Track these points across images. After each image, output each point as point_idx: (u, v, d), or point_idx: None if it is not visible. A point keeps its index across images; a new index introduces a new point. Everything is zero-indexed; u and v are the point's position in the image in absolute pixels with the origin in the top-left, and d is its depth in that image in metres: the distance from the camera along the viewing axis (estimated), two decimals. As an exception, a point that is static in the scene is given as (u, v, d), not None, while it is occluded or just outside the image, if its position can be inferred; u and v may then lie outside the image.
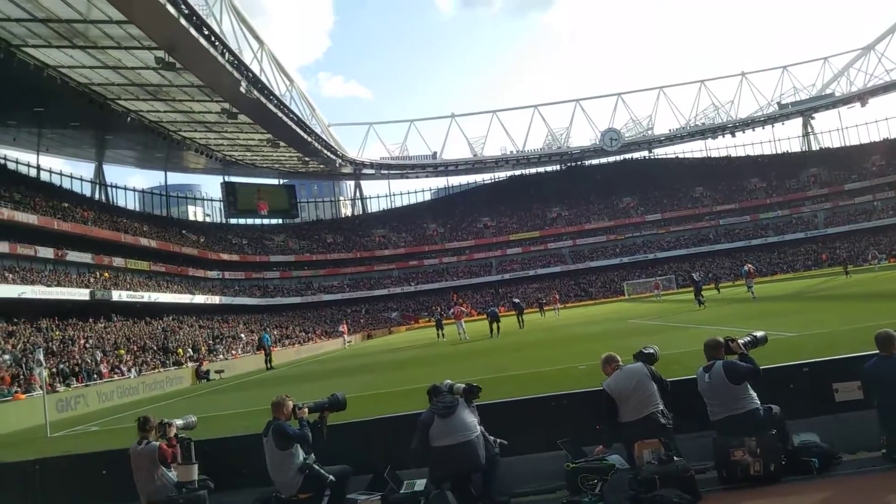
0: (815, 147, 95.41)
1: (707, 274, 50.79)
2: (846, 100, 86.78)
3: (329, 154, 70.15)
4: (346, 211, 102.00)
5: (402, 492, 5.90)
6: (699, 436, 5.89)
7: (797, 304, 26.42)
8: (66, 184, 61.43)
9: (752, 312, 24.21)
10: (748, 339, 5.91)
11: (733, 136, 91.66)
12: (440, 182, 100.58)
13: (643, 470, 5.25)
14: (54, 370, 27.40)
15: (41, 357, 18.73)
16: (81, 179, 65.06)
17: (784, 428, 5.60)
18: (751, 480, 5.28)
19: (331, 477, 5.91)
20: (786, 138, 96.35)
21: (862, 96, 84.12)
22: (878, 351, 5.58)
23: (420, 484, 5.93)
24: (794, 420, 5.79)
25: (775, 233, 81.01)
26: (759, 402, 5.61)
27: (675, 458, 5.27)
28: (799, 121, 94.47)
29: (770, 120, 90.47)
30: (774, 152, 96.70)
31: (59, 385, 26.16)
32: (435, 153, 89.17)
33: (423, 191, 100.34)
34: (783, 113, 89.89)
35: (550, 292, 63.01)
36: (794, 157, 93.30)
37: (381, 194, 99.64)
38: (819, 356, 6.99)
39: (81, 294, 40.58)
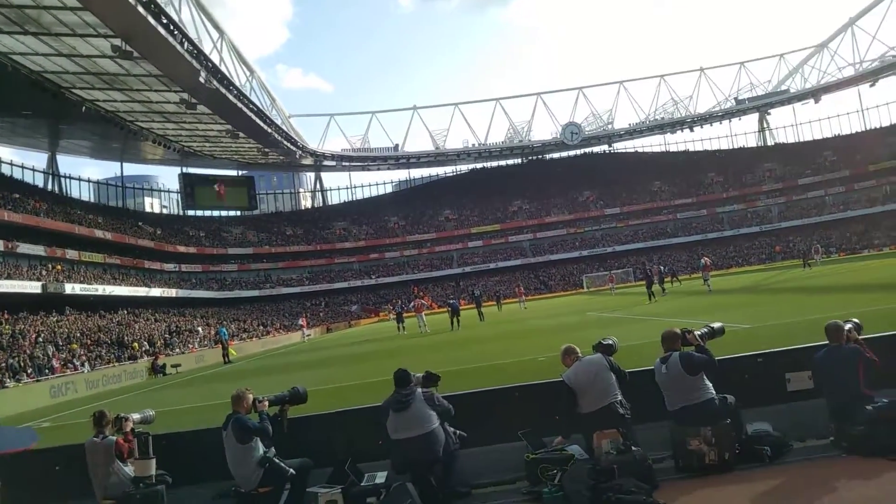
0: (770, 142, 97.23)
1: (662, 267, 51.01)
2: (800, 96, 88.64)
3: (289, 145, 69.52)
4: (306, 203, 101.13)
5: (363, 484, 5.89)
6: (657, 426, 5.98)
7: (752, 296, 27.00)
8: (18, 174, 59.81)
9: (708, 305, 24.67)
10: (705, 330, 6.02)
11: (692, 130, 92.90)
12: (402, 174, 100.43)
13: (602, 459, 5.32)
14: (3, 365, 26.79)
15: (-9, 351, 18.28)
16: (34, 170, 63.41)
17: (738, 417, 5.72)
18: (706, 469, 5.39)
19: (291, 471, 5.89)
20: (742, 133, 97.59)
21: (815, 93, 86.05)
22: (827, 342, 5.74)
23: (381, 476, 5.94)
24: (748, 409, 5.92)
25: (731, 226, 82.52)
26: (714, 392, 5.70)
27: (633, 448, 5.36)
28: (755, 116, 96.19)
29: (727, 115, 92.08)
30: (731, 147, 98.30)
31: (8, 381, 25.56)
32: (397, 146, 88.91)
33: (384, 183, 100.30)
34: (740, 108, 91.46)
35: (515, 284, 63.22)
36: (751, 152, 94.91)
37: (341, 186, 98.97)
38: (772, 347, 7.15)
39: (33, 287, 39.65)
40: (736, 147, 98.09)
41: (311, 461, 6.22)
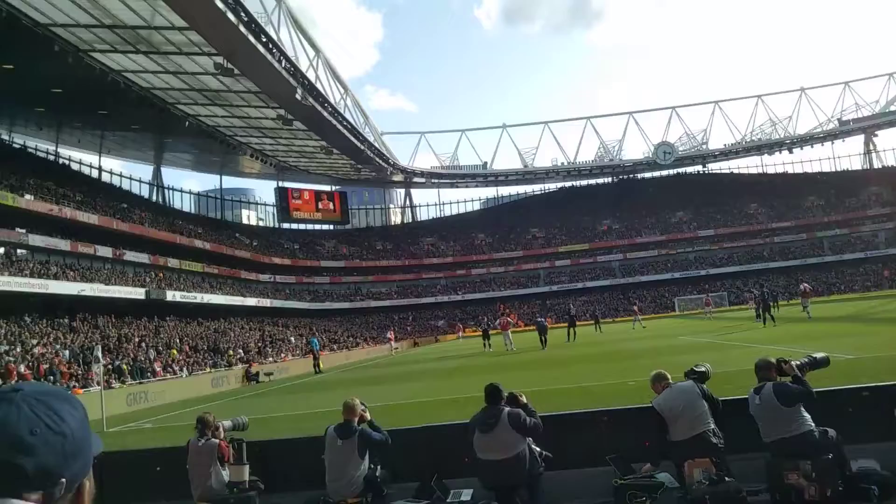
0: (877, 165, 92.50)
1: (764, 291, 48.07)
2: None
3: (381, 162, 70.83)
4: (396, 219, 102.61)
5: (448, 501, 5.93)
6: (752, 457, 5.78)
7: (856, 325, 25.68)
8: (126, 185, 63.39)
9: (807, 332, 23.63)
10: (805, 360, 5.77)
11: (790, 152, 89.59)
12: (490, 192, 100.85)
13: (693, 489, 5.18)
14: (110, 367, 28.10)
15: (99, 354, 19.27)
16: (140, 181, 67.01)
17: (841, 452, 5.44)
18: (806, 505, 5.15)
19: (386, 490, 5.97)
20: (846, 156, 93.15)
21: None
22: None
23: (466, 494, 5.96)
24: (852, 445, 5.63)
25: (833, 252, 78.84)
26: (813, 425, 5.46)
27: (727, 479, 5.19)
28: (860, 138, 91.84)
29: (830, 137, 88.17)
30: (834, 169, 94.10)
31: (114, 382, 26.82)
32: (485, 163, 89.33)
33: (472, 200, 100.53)
34: (844, 130, 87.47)
35: (633, 301, 61.63)
36: (855, 175, 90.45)
37: (430, 203, 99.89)
38: (879, 380, 6.81)
39: (137, 293, 41.51)
40: (839, 170, 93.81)
41: (387, 472, 6.29)
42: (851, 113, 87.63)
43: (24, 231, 36.90)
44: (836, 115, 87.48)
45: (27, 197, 38.01)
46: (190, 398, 25.96)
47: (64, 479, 1.20)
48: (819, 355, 5.88)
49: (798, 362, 5.72)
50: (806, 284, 36.73)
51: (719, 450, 5.60)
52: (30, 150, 51.20)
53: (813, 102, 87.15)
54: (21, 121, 49.74)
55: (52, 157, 53.69)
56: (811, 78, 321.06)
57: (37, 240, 37.69)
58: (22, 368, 24.97)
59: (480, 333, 40.31)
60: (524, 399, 6.15)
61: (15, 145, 50.01)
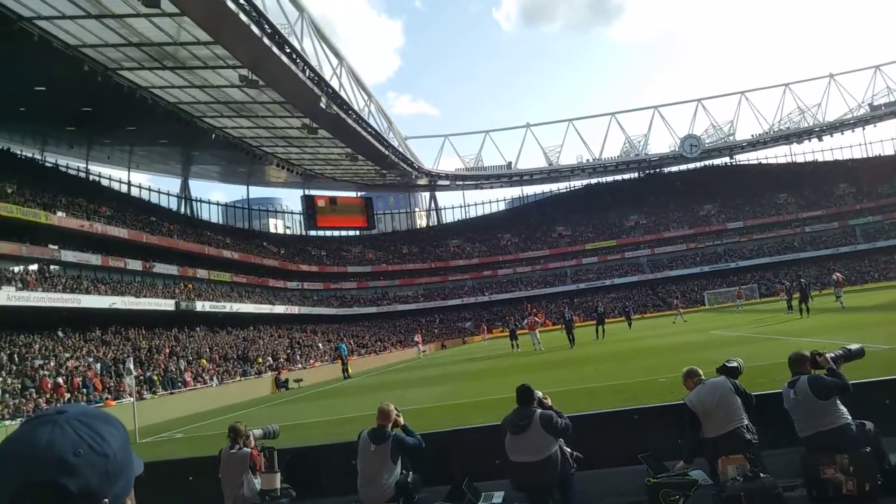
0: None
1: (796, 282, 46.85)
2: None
3: (405, 167, 70.96)
4: (421, 222, 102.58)
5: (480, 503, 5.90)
6: (787, 452, 5.69)
7: (892, 314, 25.15)
8: (154, 199, 64.13)
9: (841, 323, 23.24)
10: (840, 352, 5.66)
11: (820, 140, 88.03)
12: (515, 192, 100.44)
13: (728, 486, 5.09)
14: (141, 378, 28.46)
15: (131, 366, 19.52)
16: (168, 194, 67.70)
17: (879, 445, 5.32)
18: (843, 500, 5.05)
19: (417, 496, 5.96)
20: (878, 141, 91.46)
21: (963, 96, 79.67)
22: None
23: (498, 496, 5.93)
24: (890, 438, 5.51)
25: (866, 240, 77.40)
26: (850, 418, 5.36)
27: (762, 475, 5.09)
28: (893, 122, 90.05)
29: (861, 122, 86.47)
30: (865, 156, 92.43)
31: (146, 393, 27.16)
32: (510, 163, 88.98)
33: (497, 201, 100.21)
34: (875, 115, 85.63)
35: (673, 296, 60.98)
36: (888, 161, 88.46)
37: (455, 205, 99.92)
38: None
39: (167, 305, 41.86)
40: (871, 156, 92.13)
41: (419, 477, 6.27)
42: (883, 97, 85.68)
43: (56, 247, 37.52)
44: (867, 101, 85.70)
45: (59, 214, 38.65)
46: (218, 407, 26.41)
47: (107, 500, 1.23)
48: (854, 346, 5.77)
49: (832, 354, 5.62)
50: (838, 274, 36.09)
51: (753, 445, 5.52)
52: (61, 168, 52.09)
53: (842, 88, 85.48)
54: (53, 140, 50.68)
55: (82, 175, 54.56)
56: (840, 63, 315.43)
57: (69, 255, 38.25)
58: (60, 381, 25.43)
59: (507, 334, 40.20)
60: (548, 401, 6.11)
61: (47, 164, 50.90)
